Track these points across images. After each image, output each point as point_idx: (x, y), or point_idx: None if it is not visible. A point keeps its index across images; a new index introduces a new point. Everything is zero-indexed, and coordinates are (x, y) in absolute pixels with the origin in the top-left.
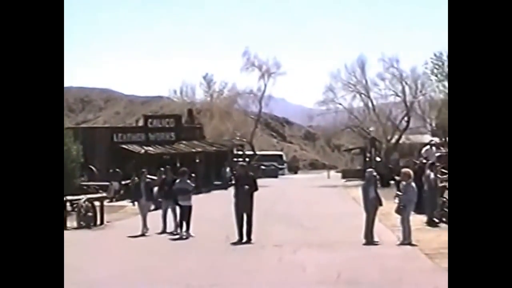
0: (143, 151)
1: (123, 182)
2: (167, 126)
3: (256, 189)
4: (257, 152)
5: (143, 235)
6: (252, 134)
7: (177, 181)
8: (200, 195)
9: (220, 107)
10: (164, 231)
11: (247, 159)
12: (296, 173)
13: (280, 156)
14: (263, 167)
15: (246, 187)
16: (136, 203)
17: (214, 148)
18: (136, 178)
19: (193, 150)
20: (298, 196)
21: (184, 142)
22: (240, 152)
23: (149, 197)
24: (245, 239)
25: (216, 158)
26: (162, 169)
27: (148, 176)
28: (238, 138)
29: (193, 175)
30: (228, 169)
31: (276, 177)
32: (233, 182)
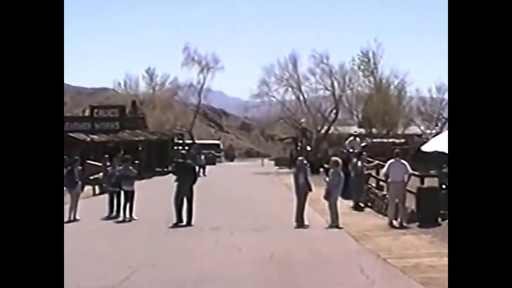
0: (88, 139)
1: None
2: (112, 116)
3: (195, 177)
4: (196, 141)
5: (73, 221)
6: (192, 124)
7: (121, 167)
8: (143, 181)
9: (162, 98)
10: (110, 216)
11: (186, 148)
12: (232, 160)
13: (218, 145)
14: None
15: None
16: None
17: (156, 137)
18: (70, 165)
19: (136, 139)
20: (234, 182)
21: (127, 131)
22: (180, 141)
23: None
24: (185, 222)
25: (157, 146)
26: (106, 156)
27: (93, 162)
28: (178, 128)
29: (136, 162)
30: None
31: (214, 164)
32: (173, 168)
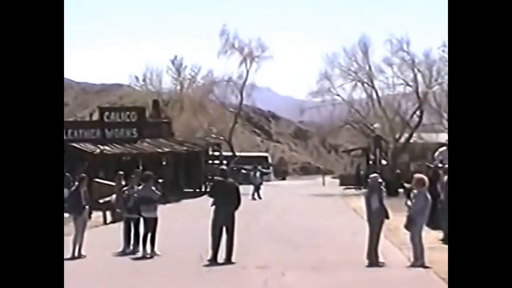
0: (98, 151)
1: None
2: (127, 120)
3: (239, 201)
4: (237, 153)
5: (78, 257)
6: (231, 131)
7: (140, 187)
8: (168, 205)
9: (192, 98)
10: (125, 251)
11: (224, 162)
12: (284, 179)
13: (265, 158)
14: (244, 171)
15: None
16: (71, 215)
17: (185, 148)
18: (75, 183)
19: (159, 151)
20: (287, 206)
21: (148, 140)
22: (217, 153)
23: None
24: (223, 258)
25: (187, 160)
26: (121, 173)
27: (103, 181)
28: (213, 135)
29: (159, 180)
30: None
31: (260, 184)
32: (209, 189)
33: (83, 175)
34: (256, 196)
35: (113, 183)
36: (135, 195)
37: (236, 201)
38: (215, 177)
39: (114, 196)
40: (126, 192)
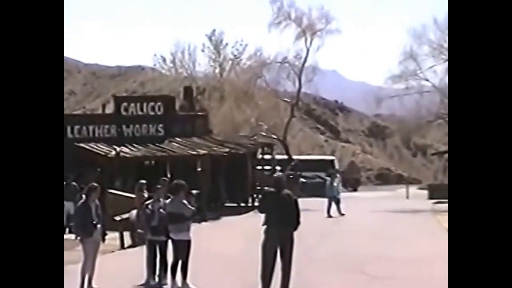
0: (113, 153)
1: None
2: (151, 114)
3: (298, 218)
4: (294, 157)
5: None
6: (287, 127)
7: (168, 201)
8: (204, 224)
9: (236, 84)
10: (149, 283)
11: (278, 168)
12: (355, 190)
13: (331, 162)
14: (303, 179)
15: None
16: (79, 236)
17: (226, 150)
18: (83, 195)
19: (193, 153)
20: (360, 227)
21: (178, 139)
22: (268, 156)
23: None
24: None
25: (229, 166)
26: (143, 181)
27: (121, 192)
28: (263, 133)
29: (193, 192)
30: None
31: (324, 196)
32: (258, 203)
33: (94, 184)
34: (337, 211)
35: (133, 195)
36: (162, 210)
37: (294, 219)
38: (266, 188)
39: (134, 212)
40: (150, 206)
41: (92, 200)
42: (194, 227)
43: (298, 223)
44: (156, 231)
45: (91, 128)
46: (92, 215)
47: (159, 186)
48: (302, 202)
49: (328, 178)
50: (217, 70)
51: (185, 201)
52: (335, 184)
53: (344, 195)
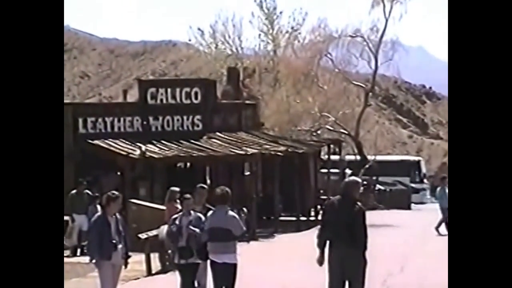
0: (137, 152)
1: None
2: (186, 102)
3: (365, 236)
4: (369, 157)
5: None
6: (359, 119)
7: (209, 214)
8: (254, 243)
9: (294, 64)
10: None
11: (348, 171)
12: None
13: (416, 164)
14: (381, 186)
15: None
16: (95, 259)
17: (282, 149)
18: (99, 208)
19: (239, 152)
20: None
21: (220, 135)
22: (335, 157)
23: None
24: None
25: (285, 169)
26: (175, 189)
27: (146, 203)
28: (329, 127)
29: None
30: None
31: (408, 207)
32: (322, 216)
33: (114, 193)
34: (435, 228)
35: (162, 207)
36: (202, 225)
37: (361, 237)
38: (332, 198)
39: (164, 227)
40: (177, 222)
41: (111, 213)
42: (240, 247)
43: (365, 242)
44: (185, 253)
45: (109, 120)
46: (111, 232)
47: (187, 196)
48: (380, 215)
49: (425, 186)
50: (269, 47)
51: (232, 214)
52: (446, 191)
53: (433, 206)
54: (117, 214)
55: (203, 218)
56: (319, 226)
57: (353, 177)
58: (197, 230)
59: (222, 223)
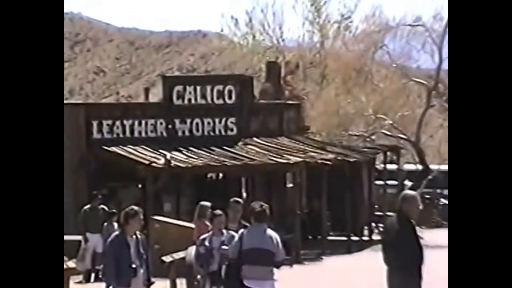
0: (161, 161)
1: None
2: (218, 102)
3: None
4: (432, 166)
5: None
6: (421, 122)
7: (245, 231)
8: (297, 268)
9: (345, 57)
10: None
11: (408, 183)
12: None
13: None
14: (445, 201)
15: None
16: (112, 286)
17: (331, 156)
18: (117, 226)
19: (281, 161)
20: None
21: (258, 140)
22: (392, 166)
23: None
24: None
25: (334, 180)
26: (205, 204)
27: (171, 220)
28: (386, 131)
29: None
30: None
31: None
32: (381, 237)
33: (134, 208)
34: None
35: (190, 224)
36: (234, 244)
37: (414, 260)
38: (388, 214)
39: (192, 249)
40: (207, 243)
41: (130, 232)
42: (282, 271)
43: (420, 263)
44: (217, 279)
45: (128, 124)
46: (131, 254)
47: (219, 212)
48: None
49: None
50: (315, 38)
51: (273, 233)
52: None
53: None
54: (138, 233)
55: (237, 237)
56: (383, 250)
57: (409, 192)
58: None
59: (261, 244)
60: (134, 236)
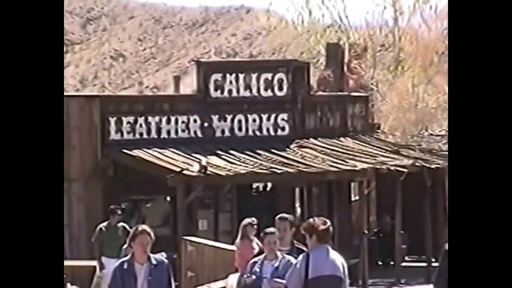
0: (195, 167)
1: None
2: (266, 94)
3: None
4: None
5: None
6: None
7: (302, 256)
8: None
9: (425, 40)
10: None
11: None
12: None
13: None
14: None
15: None
16: None
17: (407, 162)
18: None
19: (345, 168)
20: None
21: (315, 141)
22: None
23: None
24: None
25: (411, 191)
26: (251, 221)
27: (204, 240)
28: None
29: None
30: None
31: None
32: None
33: (140, 227)
34: None
35: (232, 247)
36: (297, 274)
37: None
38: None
39: (235, 277)
40: (257, 268)
41: (137, 258)
42: None
43: None
44: None
45: (153, 121)
46: (159, 284)
47: (271, 230)
48: None
49: None
50: (388, 14)
51: (338, 255)
52: None
53: None
54: (164, 255)
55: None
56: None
57: None
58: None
59: (332, 269)
60: (144, 264)
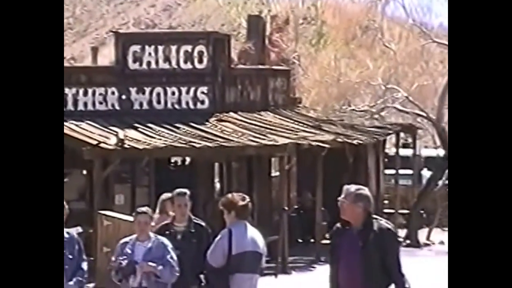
0: (112, 140)
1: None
2: (185, 66)
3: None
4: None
5: None
6: (444, 93)
7: (223, 232)
8: (286, 277)
9: (348, 11)
10: None
11: (426, 172)
12: None
13: None
14: None
15: None
16: None
17: (328, 137)
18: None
19: (266, 143)
20: None
21: (235, 115)
22: (407, 151)
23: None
24: None
25: (332, 166)
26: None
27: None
28: (399, 105)
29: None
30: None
31: None
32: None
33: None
34: None
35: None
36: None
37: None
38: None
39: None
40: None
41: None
42: (263, 281)
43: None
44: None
45: (70, 93)
46: (67, 260)
47: (142, 210)
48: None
49: None
50: None
51: (256, 231)
52: None
53: None
54: (79, 229)
55: (169, 245)
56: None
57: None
58: (160, 267)
59: (254, 245)
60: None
